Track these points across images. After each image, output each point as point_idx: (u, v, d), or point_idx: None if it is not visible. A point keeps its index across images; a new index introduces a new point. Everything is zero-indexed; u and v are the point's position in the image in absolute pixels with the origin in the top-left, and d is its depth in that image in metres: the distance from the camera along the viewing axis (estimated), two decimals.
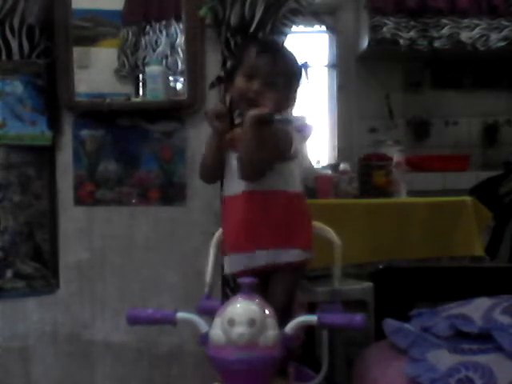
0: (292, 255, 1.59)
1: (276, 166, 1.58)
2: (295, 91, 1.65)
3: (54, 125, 2.09)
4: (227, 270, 1.65)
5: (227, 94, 1.64)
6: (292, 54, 1.68)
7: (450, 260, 2.47)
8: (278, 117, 1.50)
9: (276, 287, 1.59)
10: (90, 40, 2.46)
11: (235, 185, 1.60)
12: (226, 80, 1.69)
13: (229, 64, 1.69)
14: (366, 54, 4.17)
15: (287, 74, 1.61)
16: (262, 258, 1.58)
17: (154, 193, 2.12)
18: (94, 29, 2.47)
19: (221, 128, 1.59)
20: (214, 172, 1.67)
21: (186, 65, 2.12)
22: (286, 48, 1.73)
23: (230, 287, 2.03)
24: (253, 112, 1.50)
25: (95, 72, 2.44)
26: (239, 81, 1.60)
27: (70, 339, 2.12)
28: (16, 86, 2.06)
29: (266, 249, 1.58)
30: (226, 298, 1.93)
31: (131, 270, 2.12)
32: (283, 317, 1.41)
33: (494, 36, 4.00)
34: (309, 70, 1.61)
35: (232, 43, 2.03)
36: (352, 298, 2.17)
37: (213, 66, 2.09)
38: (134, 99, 2.22)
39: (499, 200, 3.23)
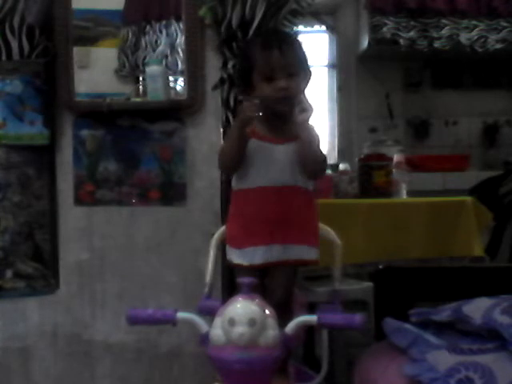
0: (313, 253, 1.64)
1: None
2: (308, 66, 1.67)
3: (51, 124, 2.08)
4: (246, 261, 1.61)
5: (251, 98, 1.62)
6: (291, 35, 1.75)
7: (450, 260, 2.47)
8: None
9: (278, 282, 1.60)
10: (90, 40, 2.46)
11: (270, 175, 1.60)
12: (241, 85, 1.69)
13: (236, 68, 1.69)
14: (366, 54, 4.17)
15: (299, 57, 1.64)
16: (291, 252, 1.60)
17: (154, 193, 2.12)
18: (94, 29, 2.48)
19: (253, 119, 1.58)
20: (239, 161, 1.62)
21: (185, 65, 2.12)
22: (285, 32, 1.78)
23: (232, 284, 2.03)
24: (301, 117, 1.55)
25: (95, 72, 2.44)
26: (262, 87, 1.59)
27: (69, 339, 2.12)
28: (16, 86, 2.05)
29: (296, 244, 1.61)
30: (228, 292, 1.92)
31: (131, 269, 2.12)
32: (284, 312, 1.42)
33: (492, 38, 4.01)
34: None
35: (234, 44, 2.03)
36: (352, 298, 2.17)
37: (213, 66, 2.08)
38: (134, 99, 2.22)
39: (499, 200, 3.23)
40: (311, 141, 1.57)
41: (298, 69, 1.61)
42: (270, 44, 1.60)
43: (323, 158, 1.64)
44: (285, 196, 1.60)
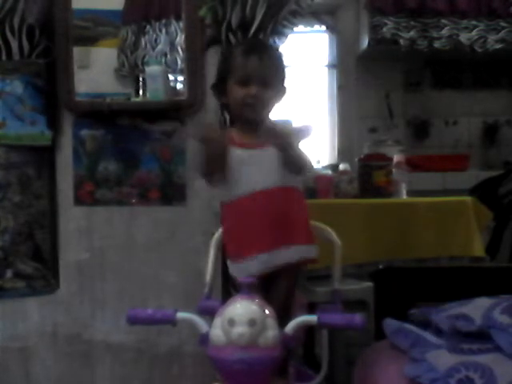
0: (313, 251, 1.63)
1: None
2: (284, 82, 1.67)
3: (54, 124, 2.09)
4: (255, 271, 1.55)
5: (221, 99, 1.69)
6: (275, 48, 1.79)
7: (449, 260, 2.47)
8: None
9: (281, 286, 1.60)
10: (90, 40, 2.46)
11: (258, 180, 1.59)
12: (217, 87, 1.69)
13: (218, 70, 1.72)
14: (366, 53, 4.17)
15: (277, 70, 1.65)
16: (297, 253, 1.60)
17: (154, 193, 2.12)
18: (94, 29, 2.47)
19: (217, 147, 1.57)
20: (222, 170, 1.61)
21: (185, 65, 2.12)
22: (268, 43, 1.81)
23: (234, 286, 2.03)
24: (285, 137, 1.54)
25: (95, 72, 2.44)
26: (235, 90, 1.60)
27: (69, 339, 2.12)
28: (16, 86, 2.06)
29: (300, 244, 1.60)
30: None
31: (131, 269, 2.12)
32: (286, 315, 1.42)
33: (491, 38, 4.01)
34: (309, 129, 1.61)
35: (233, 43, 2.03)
36: (352, 298, 2.17)
37: (213, 66, 2.08)
38: (134, 99, 2.22)
39: (499, 200, 3.23)
40: (287, 148, 1.54)
41: (274, 80, 1.61)
42: (250, 50, 1.62)
43: (305, 162, 1.59)
44: (276, 198, 1.59)
